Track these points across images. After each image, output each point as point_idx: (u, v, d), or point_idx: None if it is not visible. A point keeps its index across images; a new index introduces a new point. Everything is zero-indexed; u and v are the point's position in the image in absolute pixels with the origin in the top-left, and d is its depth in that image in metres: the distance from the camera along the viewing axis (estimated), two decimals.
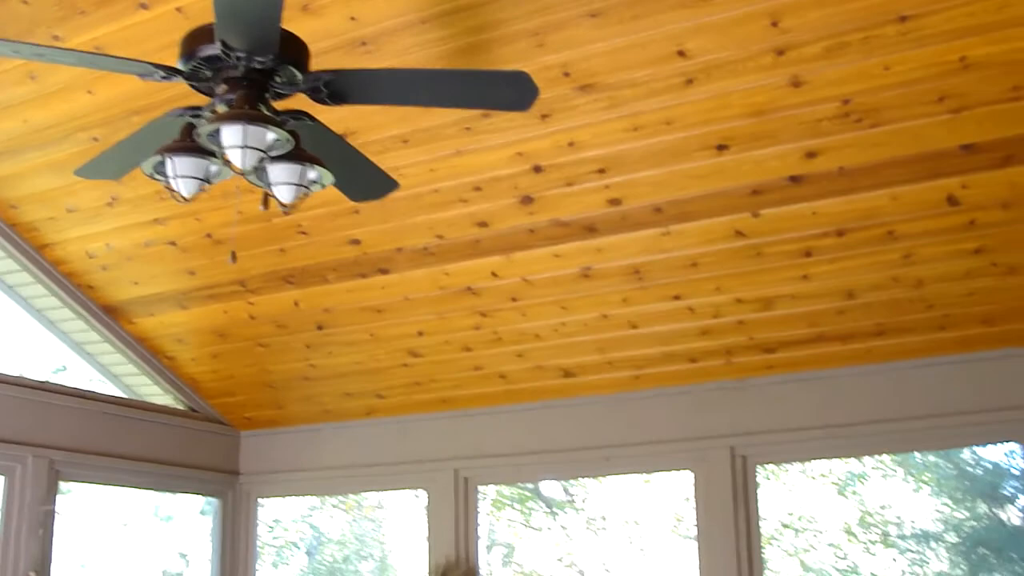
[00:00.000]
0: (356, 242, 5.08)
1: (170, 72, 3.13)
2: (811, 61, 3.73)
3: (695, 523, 5.25)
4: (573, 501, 11.85)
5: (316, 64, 4.02)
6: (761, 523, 5.12)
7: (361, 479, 6.40)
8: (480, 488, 6.00)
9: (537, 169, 4.44)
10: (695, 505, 5.28)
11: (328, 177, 3.29)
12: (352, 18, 4.02)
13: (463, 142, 4.42)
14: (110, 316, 6.01)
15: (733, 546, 5.10)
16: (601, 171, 4.36)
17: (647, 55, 3.85)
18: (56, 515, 5.57)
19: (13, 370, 5.70)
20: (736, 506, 5.13)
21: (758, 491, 5.14)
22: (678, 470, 5.52)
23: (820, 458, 5.72)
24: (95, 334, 6.07)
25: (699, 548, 5.22)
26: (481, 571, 5.79)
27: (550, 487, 11.66)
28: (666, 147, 4.18)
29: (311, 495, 8.67)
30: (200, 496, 6.87)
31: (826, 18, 3.59)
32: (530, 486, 11.61)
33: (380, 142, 4.51)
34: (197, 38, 3.06)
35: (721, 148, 4.13)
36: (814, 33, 3.64)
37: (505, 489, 11.41)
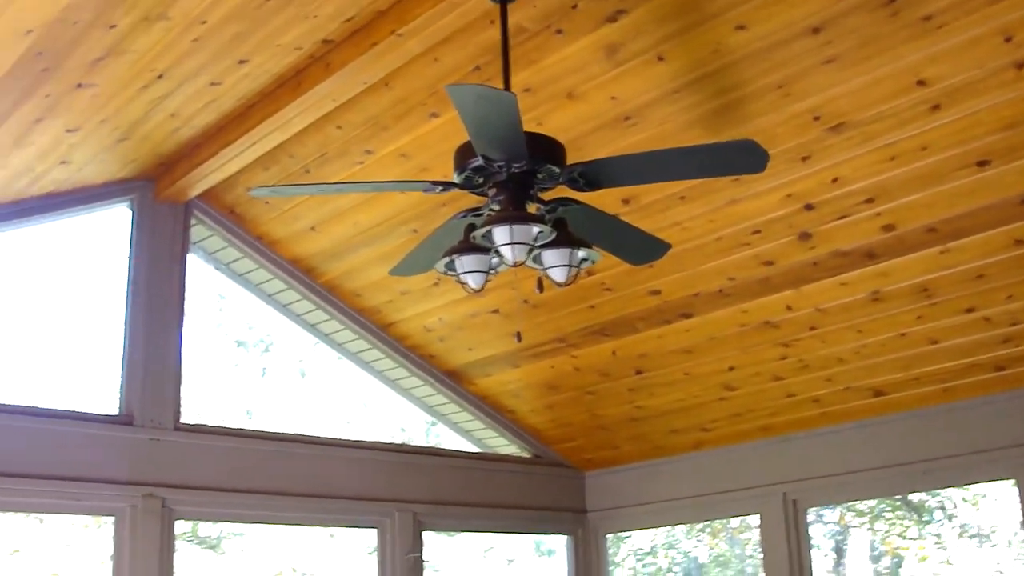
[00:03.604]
0: (656, 292, 5.44)
1: (447, 185, 3.65)
2: None
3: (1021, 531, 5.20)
4: (944, 509, 11.56)
5: (584, 142, 4.50)
6: None
7: (697, 508, 6.70)
8: (811, 509, 6.17)
9: (808, 207, 4.66)
10: (1022, 514, 5.23)
11: (595, 254, 3.69)
12: (613, 97, 4.43)
13: (735, 192, 4.70)
14: (453, 380, 6.69)
15: None
16: (869, 201, 4.52)
17: (888, 89, 4.02)
18: (424, 562, 6.24)
19: (375, 435, 6.46)
20: None
21: None
22: (1000, 479, 5.48)
23: None
24: (443, 397, 6.76)
25: None
26: None
27: (918, 496, 11.43)
28: (927, 171, 4.30)
29: (652, 527, 9.02)
30: (551, 535, 7.39)
31: None
32: (898, 497, 11.44)
33: (660, 201, 4.88)
34: (464, 153, 3.54)
35: (982, 164, 4.20)
36: None
37: (871, 501, 11.31)
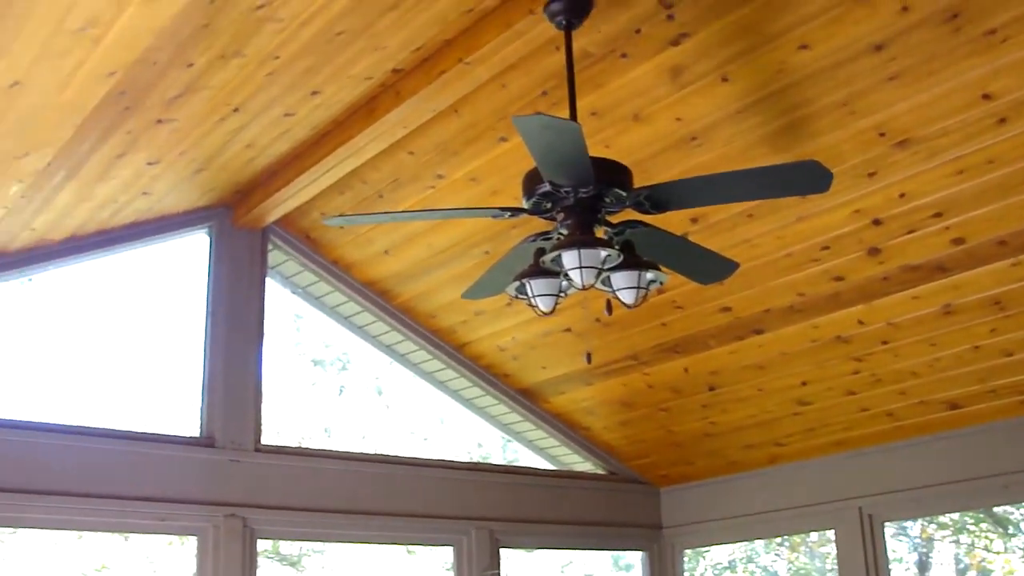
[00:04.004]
0: (727, 309, 5.47)
1: (515, 211, 3.72)
2: None
3: None
4: None
5: (651, 164, 4.55)
6: None
7: (773, 523, 6.69)
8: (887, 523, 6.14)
9: (876, 222, 4.66)
10: None
11: (663, 276, 3.74)
12: (678, 119, 4.48)
13: (802, 209, 4.72)
14: (527, 398, 6.76)
15: None
16: (937, 215, 4.51)
17: (953, 104, 4.02)
18: None
19: (453, 452, 6.55)
20: None
21: None
22: None
23: None
24: (517, 415, 6.84)
25: None
26: None
27: (1001, 508, 11.23)
28: (995, 184, 4.28)
29: (727, 542, 9.01)
30: (627, 552, 7.42)
31: None
32: (981, 509, 11.24)
33: (728, 219, 4.91)
34: (533, 179, 3.62)
35: None
36: None
37: (955, 513, 11.15)
